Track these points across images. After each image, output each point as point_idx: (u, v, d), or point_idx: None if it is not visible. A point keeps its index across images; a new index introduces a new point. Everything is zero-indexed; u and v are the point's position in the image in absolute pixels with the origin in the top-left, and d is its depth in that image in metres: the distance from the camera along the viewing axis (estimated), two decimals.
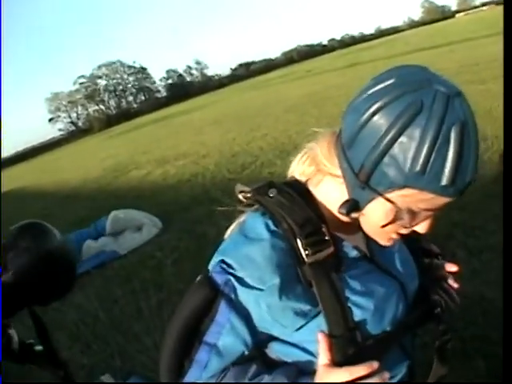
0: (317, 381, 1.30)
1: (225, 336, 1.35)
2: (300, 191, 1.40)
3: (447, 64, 20.92)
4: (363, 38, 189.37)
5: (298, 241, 1.30)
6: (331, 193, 1.39)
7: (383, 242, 1.36)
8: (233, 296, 1.35)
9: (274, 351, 1.48)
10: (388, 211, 1.24)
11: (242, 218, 1.48)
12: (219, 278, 1.36)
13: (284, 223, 1.33)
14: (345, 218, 1.37)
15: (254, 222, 1.41)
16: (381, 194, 1.21)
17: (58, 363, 2.41)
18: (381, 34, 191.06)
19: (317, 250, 1.31)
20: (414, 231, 1.29)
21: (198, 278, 1.43)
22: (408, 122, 1.12)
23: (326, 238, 1.33)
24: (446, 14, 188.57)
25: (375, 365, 1.25)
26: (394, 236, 1.33)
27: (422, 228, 1.27)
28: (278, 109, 23.49)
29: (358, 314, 1.37)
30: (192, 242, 7.86)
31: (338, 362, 1.31)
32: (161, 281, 6.68)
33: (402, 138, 1.13)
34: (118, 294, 6.58)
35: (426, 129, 1.10)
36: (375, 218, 1.28)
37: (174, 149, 21.72)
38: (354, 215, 1.31)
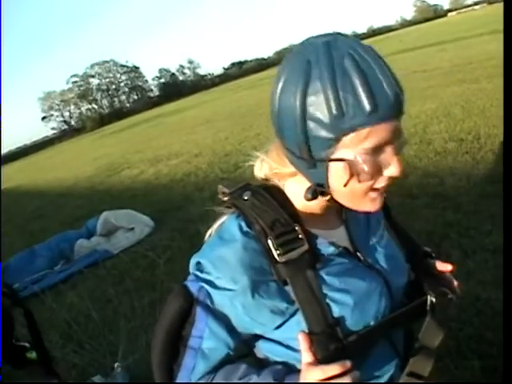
0: (301, 380, 1.33)
1: (206, 340, 1.41)
2: (274, 193, 1.44)
3: (440, 63, 21.03)
4: (356, 37, 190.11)
5: (269, 241, 1.33)
6: (298, 190, 1.42)
7: (369, 206, 1.37)
8: (208, 301, 1.40)
9: (262, 350, 1.54)
10: (346, 170, 1.27)
11: (221, 220, 1.53)
12: (193, 286, 1.43)
13: (256, 225, 1.37)
14: (318, 211, 1.46)
15: (229, 224, 1.45)
16: (329, 160, 1.26)
17: (52, 371, 2.39)
18: (373, 33, 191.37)
19: (288, 249, 1.34)
20: (391, 178, 1.31)
21: (175, 288, 1.49)
22: (305, 82, 1.22)
23: (300, 236, 1.35)
24: (438, 13, 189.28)
25: (348, 364, 1.28)
26: (374, 195, 1.34)
27: (392, 171, 1.28)
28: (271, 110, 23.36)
29: (336, 311, 1.39)
30: (185, 241, 7.86)
31: (320, 358, 1.33)
32: (154, 280, 6.66)
33: (309, 98, 1.22)
34: (110, 294, 6.57)
35: (322, 77, 1.19)
36: (340, 184, 1.30)
37: (166, 148, 21.73)
38: (324, 197, 1.37)
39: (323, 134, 1.24)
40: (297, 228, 1.36)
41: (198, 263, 1.45)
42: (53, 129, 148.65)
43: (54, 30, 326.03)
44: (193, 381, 1.45)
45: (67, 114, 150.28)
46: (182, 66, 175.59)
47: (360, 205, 1.37)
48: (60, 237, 9.61)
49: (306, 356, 1.32)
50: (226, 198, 1.51)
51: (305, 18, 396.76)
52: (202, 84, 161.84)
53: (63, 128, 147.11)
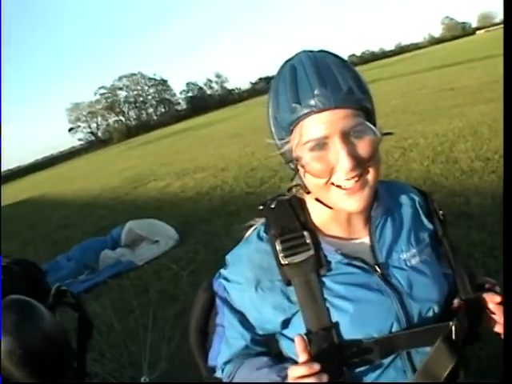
0: (289, 374, 1.41)
1: (227, 330, 1.65)
2: (294, 203, 1.63)
3: (467, 81, 20.89)
4: (383, 54, 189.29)
5: (277, 244, 1.50)
6: (314, 202, 1.55)
7: (345, 206, 1.45)
8: (226, 296, 1.63)
9: (280, 347, 1.69)
10: (299, 167, 1.43)
11: (255, 226, 1.74)
12: (216, 283, 1.71)
13: (272, 229, 1.55)
14: (334, 221, 1.57)
15: (257, 229, 1.68)
16: (291, 159, 1.48)
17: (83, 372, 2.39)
18: (401, 50, 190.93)
19: (293, 252, 1.49)
20: (350, 174, 1.37)
21: (203, 284, 1.88)
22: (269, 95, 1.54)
23: (307, 242, 1.49)
24: (466, 31, 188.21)
25: (316, 367, 1.33)
26: (342, 193, 1.41)
27: (341, 166, 1.35)
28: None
29: (335, 316, 1.48)
30: (209, 254, 7.85)
31: (314, 357, 1.39)
32: (177, 292, 6.68)
33: (269, 110, 1.53)
34: (133, 305, 6.58)
35: (273, 86, 1.52)
36: (311, 182, 1.46)
37: (193, 161, 21.76)
38: (312, 196, 1.52)
39: (279, 135, 1.48)
40: (305, 234, 1.51)
41: (226, 260, 1.71)
42: (80, 140, 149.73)
43: (85, 42, 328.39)
44: (219, 363, 1.69)
45: (94, 125, 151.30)
46: (209, 80, 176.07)
47: (334, 203, 1.46)
48: (85, 245, 9.67)
49: (302, 356, 1.37)
50: (260, 207, 1.68)
51: (332, 34, 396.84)
52: (229, 98, 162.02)
53: (90, 139, 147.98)
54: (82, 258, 9.10)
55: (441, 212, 1.70)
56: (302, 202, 1.63)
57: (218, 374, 1.71)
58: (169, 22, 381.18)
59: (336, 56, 1.44)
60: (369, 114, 1.41)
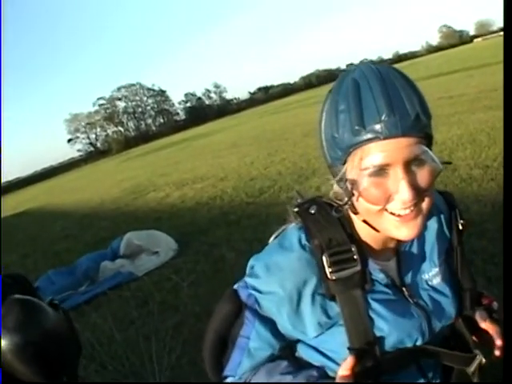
0: None
1: (253, 341, 1.55)
2: (338, 213, 1.47)
3: (466, 89, 20.93)
4: (381, 63, 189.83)
5: (324, 258, 1.40)
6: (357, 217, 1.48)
7: (395, 233, 1.39)
8: (256, 307, 1.52)
9: (300, 353, 1.63)
10: (353, 190, 1.35)
11: (284, 227, 1.63)
12: (242, 292, 1.56)
13: (315, 239, 1.44)
14: (374, 239, 1.50)
15: (290, 233, 1.54)
16: (342, 179, 1.38)
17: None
18: (399, 58, 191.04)
19: (341, 268, 1.40)
20: (408, 204, 1.31)
21: (226, 292, 1.65)
22: (324, 107, 1.42)
23: (354, 257, 1.41)
24: (463, 39, 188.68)
25: None
26: (395, 220, 1.35)
27: (401, 196, 1.29)
28: (297, 133, 23.58)
29: (375, 334, 1.45)
30: (209, 265, 7.85)
31: (357, 373, 1.39)
32: (177, 303, 6.67)
33: (325, 121, 1.41)
34: (134, 315, 6.59)
35: (331, 103, 1.38)
36: (364, 207, 1.38)
37: (192, 172, 21.78)
38: (360, 218, 1.45)
39: (333, 154, 1.37)
40: (353, 249, 1.42)
41: (252, 267, 1.56)
42: (79, 151, 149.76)
43: (81, 52, 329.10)
44: (238, 374, 1.61)
45: (93, 136, 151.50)
46: (208, 91, 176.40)
47: (385, 229, 1.39)
48: (85, 258, 9.66)
49: (343, 370, 1.37)
50: (295, 209, 1.56)
51: (331, 44, 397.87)
52: (228, 108, 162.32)
53: (89, 150, 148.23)
54: (81, 269, 9.10)
55: (461, 221, 1.64)
56: (346, 212, 1.51)
57: (230, 380, 1.67)
58: (167, 32, 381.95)
59: (401, 74, 1.35)
60: (430, 141, 1.35)
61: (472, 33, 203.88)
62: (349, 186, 1.36)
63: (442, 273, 1.59)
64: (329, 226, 1.47)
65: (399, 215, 1.33)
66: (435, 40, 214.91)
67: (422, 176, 1.30)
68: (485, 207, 6.65)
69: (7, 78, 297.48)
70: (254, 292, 1.53)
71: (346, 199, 1.40)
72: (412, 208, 1.32)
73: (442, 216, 1.66)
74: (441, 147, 10.97)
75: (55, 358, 2.06)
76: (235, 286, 1.62)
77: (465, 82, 25.20)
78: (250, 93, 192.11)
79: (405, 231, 1.36)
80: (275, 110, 63.15)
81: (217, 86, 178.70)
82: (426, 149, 1.29)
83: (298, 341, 1.61)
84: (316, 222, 1.49)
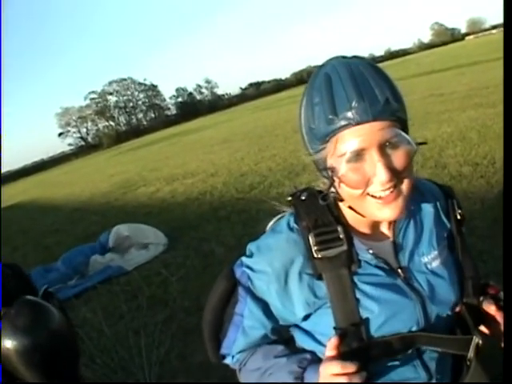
0: (320, 370, 1.43)
1: (246, 319, 1.62)
2: (327, 198, 1.54)
3: (457, 87, 20.96)
4: (373, 60, 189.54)
5: (310, 237, 1.46)
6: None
7: (379, 215, 1.44)
8: (249, 284, 1.58)
9: (296, 340, 1.69)
10: (334, 177, 1.41)
11: (280, 216, 1.72)
12: (237, 271, 1.63)
13: (303, 221, 1.52)
14: (364, 223, 1.55)
15: (283, 219, 1.65)
16: (325, 168, 1.44)
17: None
18: (390, 55, 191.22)
19: (326, 247, 1.46)
20: (386, 185, 1.36)
21: (223, 271, 1.70)
22: (301, 103, 1.49)
23: (340, 237, 1.47)
24: (455, 37, 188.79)
25: (351, 367, 1.35)
26: (378, 203, 1.40)
27: (378, 178, 1.34)
28: (288, 129, 23.48)
29: (363, 315, 1.49)
30: (199, 259, 7.87)
31: (342, 353, 1.43)
32: (166, 298, 6.68)
33: (304, 113, 1.48)
34: (123, 310, 6.58)
35: (306, 96, 1.47)
36: (347, 192, 1.44)
37: (182, 167, 21.80)
38: (345, 204, 1.52)
39: (313, 145, 1.44)
40: (339, 229, 1.48)
41: (248, 249, 1.64)
42: (70, 145, 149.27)
43: (72, 46, 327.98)
44: (233, 352, 1.71)
45: (84, 130, 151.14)
46: (199, 86, 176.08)
47: (368, 213, 1.45)
48: (74, 252, 9.64)
49: (329, 351, 1.41)
50: (289, 198, 1.65)
51: (323, 40, 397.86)
52: (219, 104, 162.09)
53: (80, 144, 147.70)
54: (71, 263, 9.08)
55: (459, 211, 1.68)
56: (335, 199, 1.57)
57: (228, 361, 1.76)
58: (158, 27, 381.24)
59: (370, 63, 1.42)
60: (404, 125, 1.41)
61: (464, 30, 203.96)
62: (329, 174, 1.42)
63: (443, 258, 1.61)
64: (316, 209, 1.55)
65: (380, 197, 1.38)
66: (427, 37, 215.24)
67: (398, 158, 1.36)
68: (474, 204, 6.67)
69: None
70: (247, 270, 1.60)
71: (328, 185, 1.46)
72: (392, 189, 1.37)
73: (438, 203, 1.70)
74: (431, 144, 10.98)
75: (60, 361, 2.08)
76: (232, 266, 1.67)
77: (456, 79, 25.24)
78: (241, 88, 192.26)
79: (387, 212, 1.40)
80: (266, 105, 63.19)
81: (208, 82, 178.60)
82: (399, 131, 1.35)
83: (294, 328, 1.66)
84: (305, 206, 1.57)
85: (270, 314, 1.60)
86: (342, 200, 1.51)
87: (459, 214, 1.68)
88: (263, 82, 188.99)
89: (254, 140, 23.51)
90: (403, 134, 1.36)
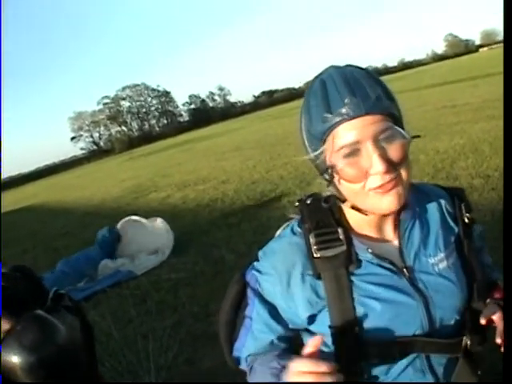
0: (290, 366, 1.40)
1: (255, 322, 1.66)
2: (331, 202, 1.61)
3: (470, 99, 20.88)
4: (386, 70, 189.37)
5: (311, 237, 1.52)
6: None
7: (379, 208, 1.48)
8: (257, 287, 1.64)
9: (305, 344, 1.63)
10: (335, 175, 1.47)
11: (288, 223, 1.76)
12: (248, 274, 1.72)
13: (306, 224, 1.58)
14: (367, 224, 1.60)
15: (289, 225, 1.72)
16: (326, 168, 1.49)
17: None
18: (404, 66, 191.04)
19: (325, 246, 1.51)
20: (384, 177, 1.40)
21: (235, 276, 1.81)
22: (301, 110, 1.57)
23: (340, 238, 1.52)
24: (469, 48, 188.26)
25: (323, 366, 1.31)
26: (377, 195, 1.45)
27: (375, 169, 1.39)
28: (300, 138, 23.30)
29: (361, 314, 1.51)
30: (208, 266, 7.87)
31: (335, 351, 1.53)
32: (175, 303, 6.70)
33: (302, 123, 1.56)
34: (132, 314, 6.60)
35: (304, 101, 1.55)
36: (341, 188, 1.50)
37: (194, 173, 21.79)
38: (348, 204, 1.56)
39: (313, 147, 1.51)
40: (339, 230, 1.54)
41: (258, 254, 1.72)
42: (82, 149, 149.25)
43: (87, 51, 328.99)
44: (244, 355, 1.73)
45: (97, 135, 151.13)
46: (212, 93, 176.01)
47: (369, 207, 1.49)
48: (81, 255, 9.69)
49: (309, 347, 1.39)
50: (296, 204, 1.72)
51: (336, 50, 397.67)
52: (231, 111, 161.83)
53: (92, 148, 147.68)
54: (79, 266, 9.11)
55: (467, 214, 1.70)
56: (338, 202, 1.62)
57: (243, 366, 1.76)
58: (172, 34, 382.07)
59: (363, 69, 1.50)
60: (396, 120, 1.46)
61: (478, 42, 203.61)
62: (329, 172, 1.47)
63: (451, 261, 1.63)
64: (319, 212, 1.62)
65: (379, 186, 1.41)
66: (441, 49, 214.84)
67: (393, 150, 1.41)
68: (484, 217, 6.66)
69: (13, 73, 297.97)
70: (255, 273, 1.67)
71: (327, 183, 1.53)
72: (390, 180, 1.41)
73: (445, 207, 1.73)
74: (443, 156, 10.99)
75: (68, 375, 2.07)
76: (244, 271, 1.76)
77: (469, 91, 25.15)
78: (254, 96, 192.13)
79: (387, 202, 1.44)
80: (279, 114, 63.07)
81: (221, 89, 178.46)
82: (392, 124, 1.41)
83: (304, 331, 1.67)
84: (309, 210, 1.65)
85: (277, 316, 1.63)
86: (344, 201, 1.55)
87: (467, 217, 1.70)
88: (276, 91, 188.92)
89: (266, 148, 23.51)
90: (396, 127, 1.42)
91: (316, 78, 1.54)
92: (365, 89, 1.40)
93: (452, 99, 23.24)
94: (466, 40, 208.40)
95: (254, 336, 1.67)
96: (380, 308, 1.51)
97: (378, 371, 1.58)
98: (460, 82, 33.98)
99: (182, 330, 5.74)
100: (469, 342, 1.59)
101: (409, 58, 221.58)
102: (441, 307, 1.57)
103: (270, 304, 1.63)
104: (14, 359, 1.88)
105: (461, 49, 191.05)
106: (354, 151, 1.40)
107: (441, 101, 23.60)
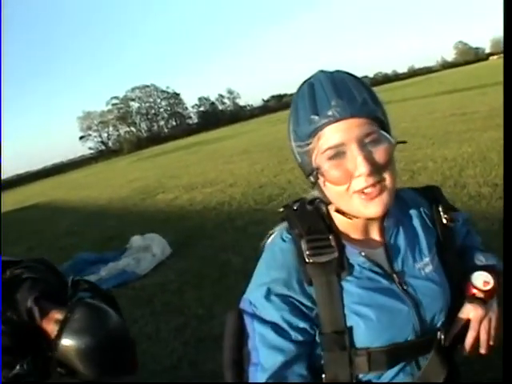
0: None
1: (260, 349, 1.53)
2: (320, 207, 1.65)
3: (479, 107, 20.82)
4: (396, 77, 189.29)
5: (303, 243, 1.52)
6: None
7: (366, 212, 1.49)
8: (253, 309, 1.56)
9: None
10: (320, 176, 1.49)
11: (271, 232, 1.77)
12: (242, 303, 1.63)
13: (296, 229, 1.58)
14: (355, 230, 1.63)
15: (275, 234, 1.72)
16: (313, 170, 1.51)
17: None
18: (414, 73, 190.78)
19: (318, 252, 1.51)
20: (369, 179, 1.43)
21: (229, 312, 1.68)
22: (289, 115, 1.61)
23: (332, 244, 1.53)
24: (479, 56, 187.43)
25: None
26: (362, 199, 1.46)
27: (359, 170, 1.41)
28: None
29: (354, 320, 1.51)
30: (214, 269, 7.84)
31: (324, 360, 1.54)
32: (181, 305, 6.70)
33: (290, 127, 1.60)
34: (137, 315, 6.60)
35: (292, 107, 1.59)
36: (325, 190, 1.53)
37: (202, 176, 21.78)
38: (332, 207, 1.60)
39: (299, 149, 1.53)
40: (330, 237, 1.54)
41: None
42: (90, 148, 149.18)
43: (98, 51, 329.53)
44: None
45: (105, 135, 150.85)
46: (221, 96, 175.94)
47: (354, 211, 1.51)
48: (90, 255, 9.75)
49: None
50: (281, 209, 1.73)
51: (345, 55, 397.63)
52: (241, 114, 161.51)
53: (100, 148, 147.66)
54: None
55: (445, 215, 1.74)
56: (326, 209, 1.65)
57: None
58: (183, 35, 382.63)
59: (351, 74, 1.53)
60: (383, 124, 1.49)
61: (488, 50, 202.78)
62: (315, 173, 1.49)
63: (435, 265, 1.66)
64: (308, 217, 1.63)
65: (364, 193, 1.44)
66: (451, 56, 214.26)
67: (378, 153, 1.43)
68: (492, 225, 6.64)
69: (23, 68, 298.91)
70: (247, 296, 1.63)
71: (312, 184, 1.56)
72: (375, 185, 1.43)
73: (423, 211, 1.76)
74: (451, 164, 10.98)
75: (118, 357, 2.20)
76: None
77: (478, 99, 25.06)
78: (263, 100, 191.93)
79: (372, 208, 1.47)
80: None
81: (230, 92, 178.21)
82: (377, 128, 1.44)
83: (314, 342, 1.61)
84: (297, 215, 1.66)
85: (283, 333, 1.52)
86: (329, 203, 1.59)
87: (445, 218, 1.74)
88: (285, 95, 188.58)
89: (274, 152, 23.45)
90: (381, 131, 1.45)
91: (305, 81, 1.57)
92: (352, 92, 1.43)
93: (461, 107, 23.18)
94: (476, 48, 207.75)
95: (263, 368, 1.50)
96: (372, 314, 1.52)
97: (368, 378, 1.59)
98: (469, 90, 33.90)
99: (186, 332, 5.75)
100: (442, 337, 1.60)
101: (419, 65, 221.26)
102: (430, 310, 1.60)
103: (271, 322, 1.53)
104: (70, 343, 1.97)
105: (471, 56, 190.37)
106: (339, 153, 1.43)
107: (450, 108, 23.55)
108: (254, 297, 1.59)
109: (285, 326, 1.52)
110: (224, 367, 1.64)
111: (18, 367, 2.00)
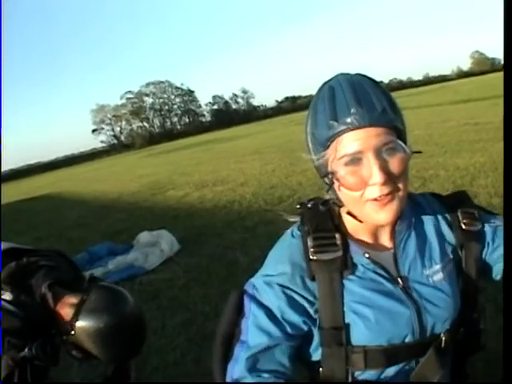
0: None
1: (250, 328, 1.58)
2: (331, 207, 1.67)
3: (492, 117, 20.70)
4: (411, 84, 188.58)
5: (309, 240, 1.56)
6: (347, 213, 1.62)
7: (375, 218, 1.51)
8: (255, 292, 1.61)
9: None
10: (334, 181, 1.51)
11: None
12: (246, 286, 1.69)
13: (305, 226, 1.62)
14: (364, 232, 1.64)
15: (290, 228, 1.75)
16: (327, 173, 1.53)
17: None
18: (429, 81, 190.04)
19: (322, 250, 1.54)
20: (382, 189, 1.43)
21: (232, 293, 1.76)
22: (308, 115, 1.61)
23: (337, 243, 1.56)
24: (495, 67, 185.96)
25: None
26: (374, 206, 1.48)
27: (374, 179, 1.42)
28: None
29: (353, 319, 1.54)
30: (222, 267, 7.88)
31: (321, 356, 1.57)
32: (187, 301, 6.73)
33: (307, 127, 1.61)
34: (143, 309, 6.62)
35: (311, 106, 1.59)
36: (339, 195, 1.54)
37: (213, 174, 21.80)
38: (344, 210, 1.62)
39: (316, 151, 1.54)
40: (336, 236, 1.57)
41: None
42: (102, 142, 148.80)
43: (113, 45, 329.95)
44: (235, 370, 1.54)
45: (118, 129, 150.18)
46: (235, 95, 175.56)
47: (365, 216, 1.52)
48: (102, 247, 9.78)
49: None
50: (298, 206, 1.76)
51: (360, 60, 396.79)
52: (254, 114, 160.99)
53: (112, 142, 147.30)
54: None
55: (464, 221, 1.71)
56: (338, 208, 1.68)
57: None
58: (200, 33, 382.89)
59: (371, 79, 1.53)
60: (400, 134, 1.49)
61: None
62: (330, 177, 1.51)
63: (446, 273, 1.66)
64: (318, 216, 1.67)
65: (376, 199, 1.45)
66: (466, 65, 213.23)
67: (394, 163, 1.43)
68: None
69: (37, 60, 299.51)
70: (252, 280, 1.68)
71: (327, 188, 1.57)
72: (387, 193, 1.44)
73: (440, 217, 1.75)
74: (462, 173, 10.97)
75: (135, 339, 2.32)
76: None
77: (492, 109, 24.88)
78: (277, 101, 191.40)
79: (383, 214, 1.48)
80: (301, 120, 61.47)
81: (245, 92, 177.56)
82: (394, 138, 1.44)
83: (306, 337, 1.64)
84: (309, 213, 1.70)
85: (275, 320, 1.56)
86: (341, 205, 1.61)
87: (464, 223, 1.71)
88: (299, 97, 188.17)
89: (286, 153, 23.44)
90: (398, 141, 1.45)
91: (325, 83, 1.57)
92: (371, 100, 1.43)
93: (475, 116, 23.10)
94: (493, 58, 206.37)
95: (248, 346, 1.56)
96: (371, 315, 1.54)
97: (366, 378, 1.61)
98: (484, 100, 33.72)
99: (192, 328, 5.78)
100: (443, 339, 1.62)
101: (434, 73, 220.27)
102: (433, 316, 1.60)
103: (267, 308, 1.58)
104: (96, 323, 2.05)
105: (487, 67, 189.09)
106: (355, 160, 1.44)
107: (463, 117, 23.48)
108: (258, 282, 1.64)
109: (278, 315, 1.57)
110: (216, 336, 1.71)
111: (26, 350, 2.04)
